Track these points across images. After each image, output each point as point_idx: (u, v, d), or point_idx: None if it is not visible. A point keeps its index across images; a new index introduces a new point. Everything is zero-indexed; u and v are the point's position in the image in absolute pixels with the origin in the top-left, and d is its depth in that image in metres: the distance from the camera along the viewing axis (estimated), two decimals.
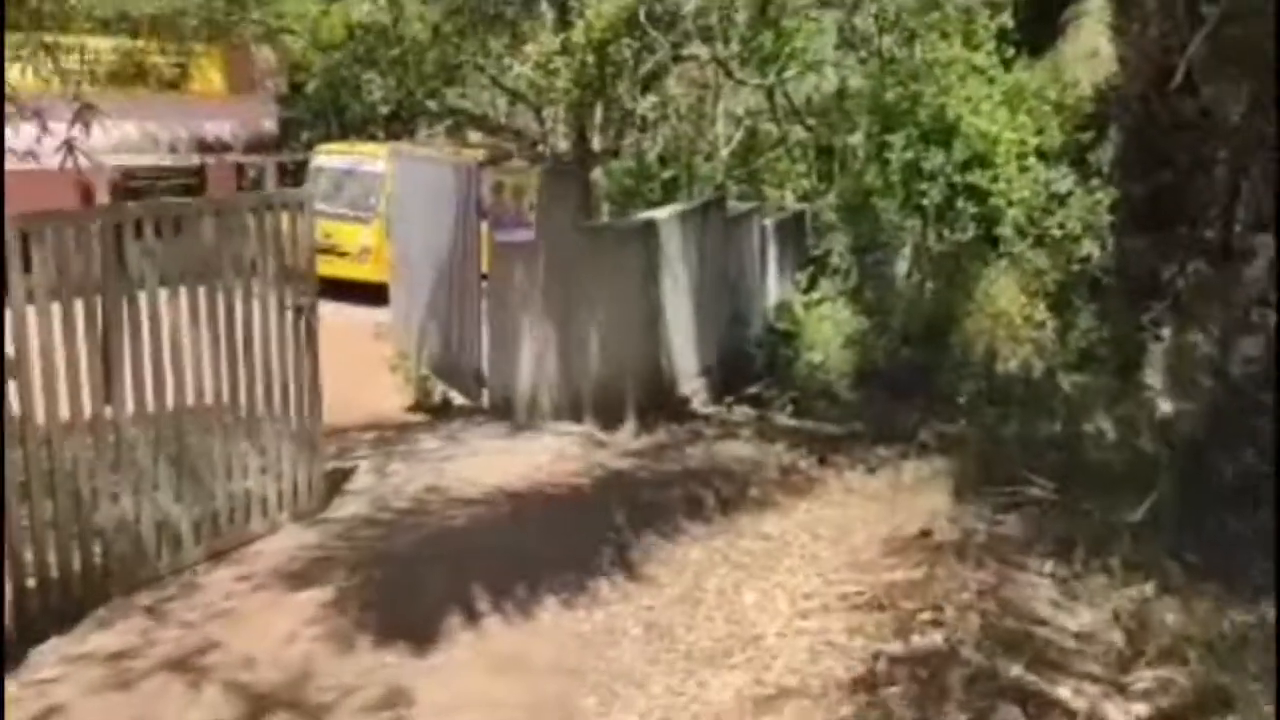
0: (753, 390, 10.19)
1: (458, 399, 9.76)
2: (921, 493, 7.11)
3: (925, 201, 15.49)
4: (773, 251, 12.52)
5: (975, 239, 15.34)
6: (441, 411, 9.73)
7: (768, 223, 12.52)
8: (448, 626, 5.53)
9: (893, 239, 15.45)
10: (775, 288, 12.52)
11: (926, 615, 5.35)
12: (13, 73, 13.33)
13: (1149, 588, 5.53)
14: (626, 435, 8.71)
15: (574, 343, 8.76)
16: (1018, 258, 14.40)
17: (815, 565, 6.03)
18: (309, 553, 6.33)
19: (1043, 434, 8.23)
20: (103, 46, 14.18)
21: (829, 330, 11.68)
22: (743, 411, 9.94)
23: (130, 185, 14.60)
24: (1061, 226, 15.34)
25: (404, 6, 15.49)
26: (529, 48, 13.76)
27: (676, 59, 15.27)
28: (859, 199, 16.08)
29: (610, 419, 8.76)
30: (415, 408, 10.05)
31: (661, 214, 9.82)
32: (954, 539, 6.10)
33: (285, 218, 6.69)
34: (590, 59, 13.43)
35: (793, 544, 6.36)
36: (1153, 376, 11.96)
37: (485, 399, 9.16)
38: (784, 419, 9.92)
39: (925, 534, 6.18)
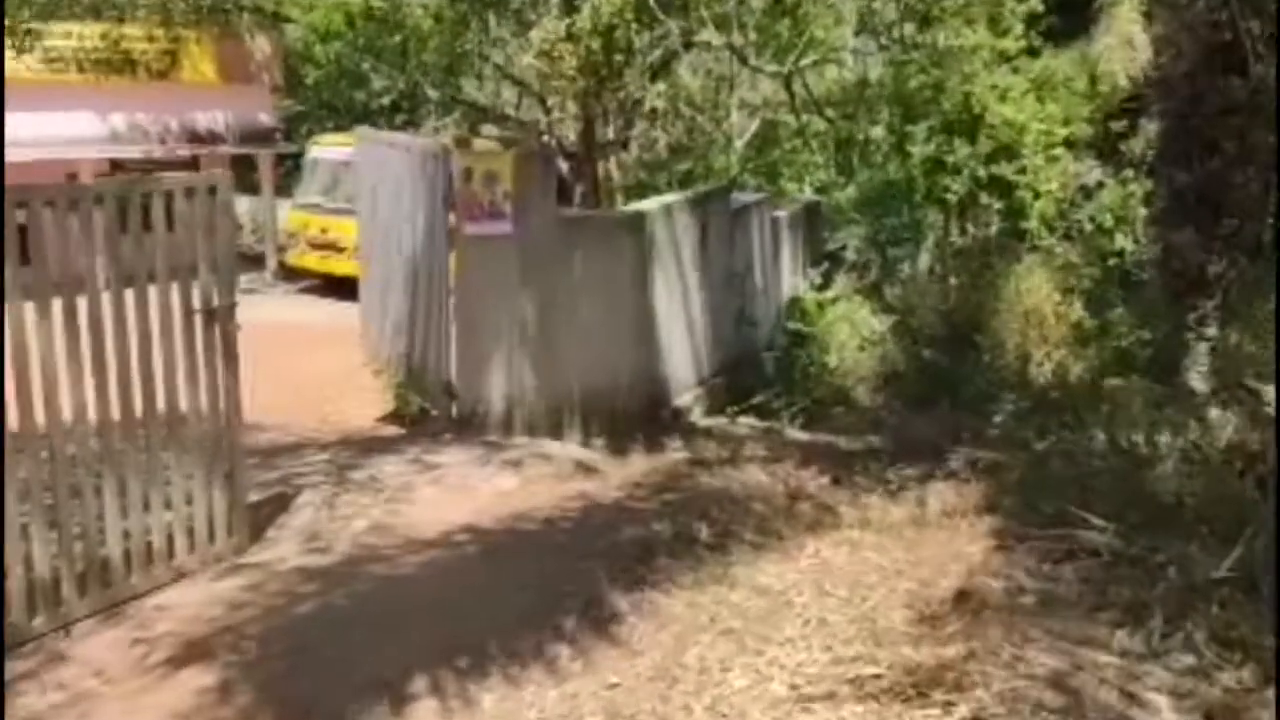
0: (760, 398, 8.77)
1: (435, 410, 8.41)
2: (951, 531, 5.69)
3: (948, 195, 14.14)
4: (785, 246, 11.08)
5: (1002, 232, 13.96)
6: (417, 423, 8.38)
7: (779, 215, 11.07)
8: (362, 718, 4.19)
9: (914, 233, 14.09)
10: (787, 285, 11.08)
11: (965, 712, 3.96)
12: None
13: (1247, 674, 4.12)
14: (613, 454, 7.33)
15: (553, 349, 7.40)
16: (1047, 252, 12.98)
17: (822, 633, 4.63)
18: (213, 610, 5.01)
19: (1091, 454, 6.77)
20: (88, 33, 13.01)
21: (845, 331, 10.25)
22: (748, 423, 8.53)
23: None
24: (1092, 219, 13.94)
25: None
26: (533, 34, 12.41)
27: (688, 46, 13.85)
28: (879, 191, 14.71)
29: (595, 435, 7.41)
30: (391, 418, 8.72)
31: (653, 204, 8.42)
32: (995, 600, 4.70)
33: (195, 206, 5.34)
34: (597, 45, 12.11)
35: (795, 602, 4.96)
36: (1197, 380, 10.49)
37: (455, 412, 7.78)
38: (794, 431, 8.51)
39: (961, 595, 4.77)
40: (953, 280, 13.06)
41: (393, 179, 8.54)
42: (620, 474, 7.01)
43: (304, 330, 11.99)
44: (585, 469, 7.01)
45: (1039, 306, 10.82)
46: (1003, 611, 4.56)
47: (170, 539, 5.35)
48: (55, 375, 4.84)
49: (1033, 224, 14.00)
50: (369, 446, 7.60)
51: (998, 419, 7.71)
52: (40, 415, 4.80)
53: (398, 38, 15.04)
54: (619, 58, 12.99)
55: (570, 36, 11.82)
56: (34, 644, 4.76)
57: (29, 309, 4.70)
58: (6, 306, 4.65)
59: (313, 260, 13.96)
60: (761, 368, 9.36)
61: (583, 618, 5.01)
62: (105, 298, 5.05)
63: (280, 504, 6.27)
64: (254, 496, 6.30)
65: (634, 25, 12.40)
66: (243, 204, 17.99)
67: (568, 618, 4.99)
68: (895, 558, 5.32)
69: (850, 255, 12.58)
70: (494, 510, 6.25)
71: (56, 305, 4.84)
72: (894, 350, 10.22)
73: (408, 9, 14.80)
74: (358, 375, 9.95)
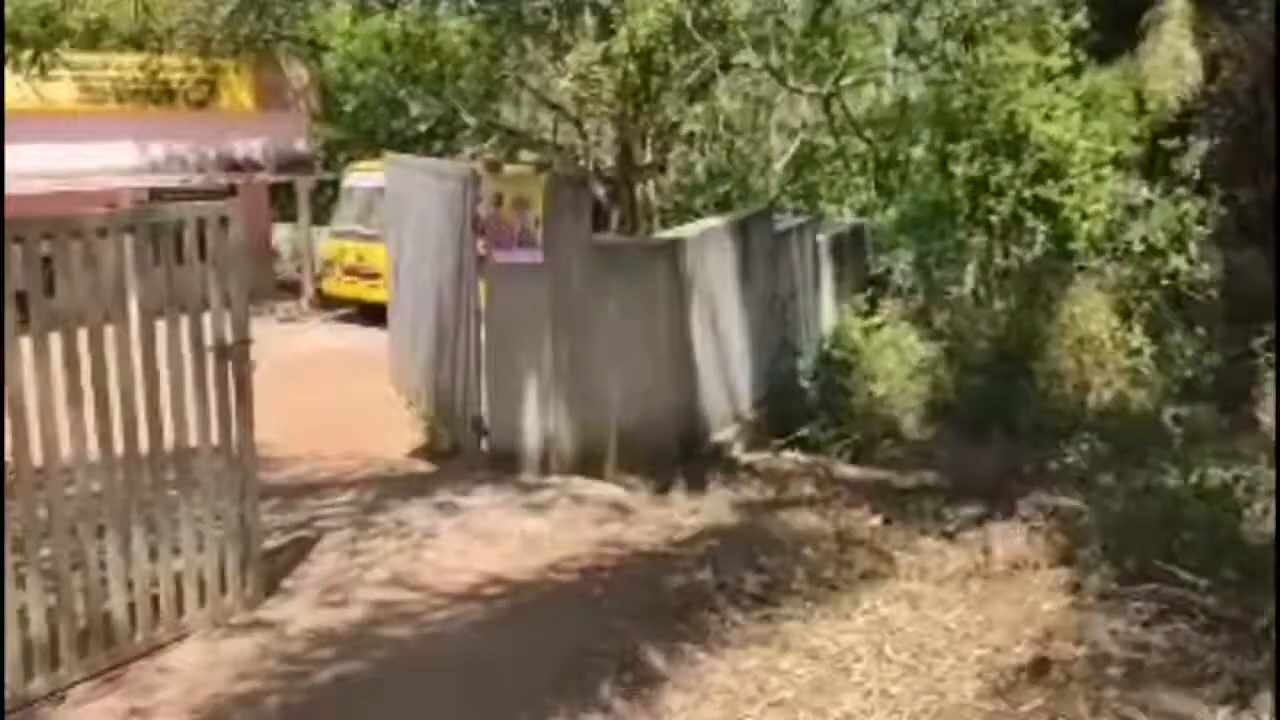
0: (804, 431, 8.21)
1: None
2: (1021, 585, 5.11)
3: (993, 217, 13.57)
4: (828, 270, 10.51)
5: (1050, 254, 13.32)
6: (448, 458, 7.92)
7: (821, 238, 10.52)
8: None
9: (958, 256, 13.49)
10: (831, 311, 10.51)
11: None
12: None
13: None
14: (652, 495, 6.80)
15: (587, 382, 6.90)
16: (1097, 274, 12.30)
17: (885, 708, 4.08)
18: (219, 675, 4.54)
19: (1166, 493, 6.15)
20: (127, 64, 12.79)
21: (892, 358, 9.66)
22: (793, 458, 7.97)
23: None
24: (1144, 240, 13.26)
25: (440, 19, 13.97)
26: (570, 58, 12.02)
27: (725, 68, 13.39)
28: (922, 213, 14.15)
29: (632, 474, 6.88)
30: (422, 452, 8.27)
31: (691, 230, 7.92)
32: (1079, 670, 4.13)
33: (205, 238, 4.92)
34: (633, 68, 11.70)
35: (853, 669, 4.41)
36: (1266, 411, 9.76)
37: (486, 447, 7.29)
38: (842, 466, 7.94)
39: (1039, 663, 4.20)
40: (998, 303, 12.45)
41: (421, 205, 8.10)
42: (659, 516, 6.49)
43: (337, 358, 11.62)
44: (622, 511, 6.50)
45: (1095, 331, 10.17)
46: (1088, 684, 4.00)
47: (178, 592, 4.91)
48: (53, 416, 4.42)
49: (1080, 245, 13.39)
50: (396, 484, 7.14)
51: (1069, 460, 7.05)
52: (37, 458, 4.39)
53: (434, 64, 14.74)
54: (656, 80, 12.58)
55: (607, 60, 11.43)
56: (24, 712, 4.33)
57: (26, 345, 4.31)
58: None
59: (348, 287, 13.60)
60: (805, 398, 8.80)
61: (619, 683, 4.50)
62: (110, 335, 4.65)
63: (299, 550, 5.81)
64: (272, 542, 5.87)
65: (671, 48, 12.00)
66: (282, 231, 17.79)
67: (603, 683, 4.48)
68: (961, 617, 4.76)
69: (897, 279, 11.98)
70: (525, 558, 5.75)
71: (56, 344, 4.44)
72: (944, 378, 9.62)
73: (444, 35, 14.52)
74: (390, 405, 9.53)
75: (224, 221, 4.98)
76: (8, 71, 12.05)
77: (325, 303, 14.36)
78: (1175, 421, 8.00)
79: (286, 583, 5.45)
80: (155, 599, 4.83)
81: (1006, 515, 6.49)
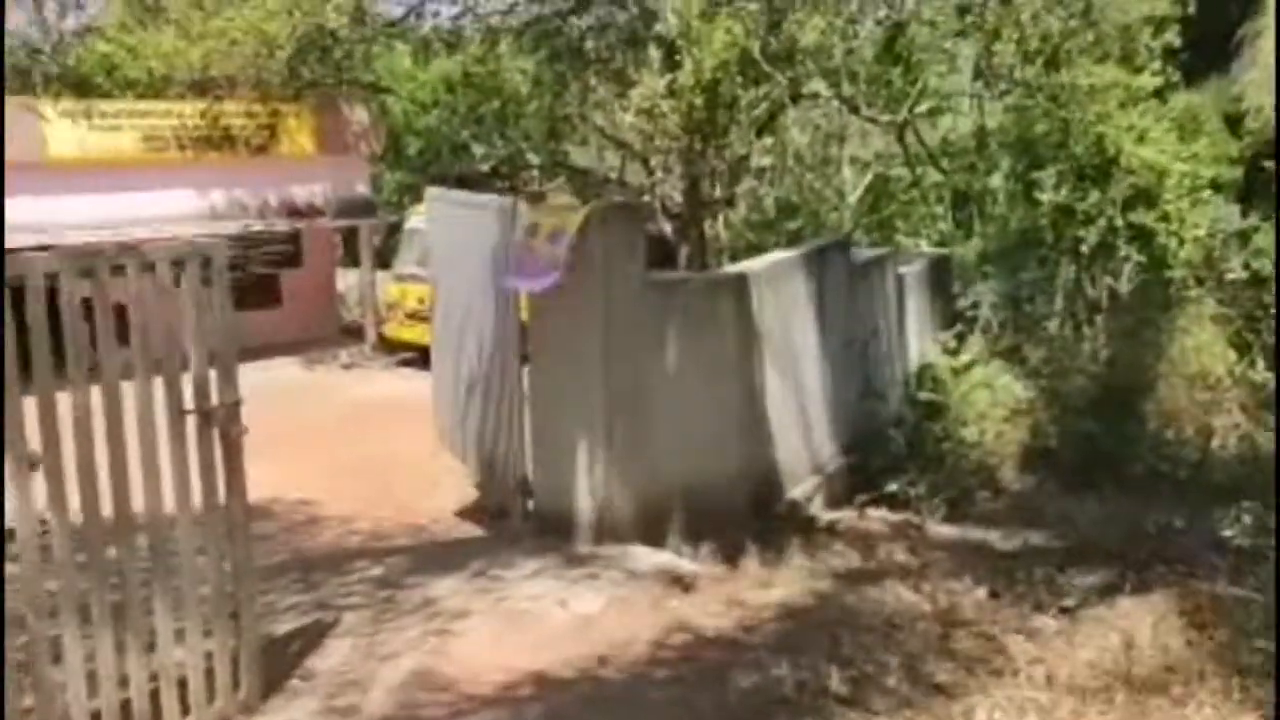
0: (892, 486, 7.09)
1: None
2: (1183, 696, 3.93)
3: (1083, 248, 12.37)
4: (912, 306, 9.37)
5: (1148, 283, 12.05)
6: (495, 520, 6.94)
7: (905, 271, 9.39)
8: None
9: (1045, 288, 12.29)
10: (916, 350, 9.35)
11: None
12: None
13: None
14: (719, 565, 5.75)
15: (645, 436, 5.88)
16: (1197, 303, 10.99)
17: None
18: None
19: None
20: (188, 111, 12.25)
21: (985, 400, 8.48)
22: (880, 517, 6.86)
23: None
24: (1247, 267, 11.94)
25: (501, 58, 13.28)
26: (634, 92, 11.17)
27: (795, 99, 12.41)
28: (1007, 244, 12.98)
29: (698, 540, 5.84)
30: (468, 513, 7.34)
31: (760, 263, 6.89)
32: None
33: (185, 282, 4.05)
34: (700, 101, 10.82)
35: None
36: None
37: (532, 510, 6.30)
38: (935, 525, 6.80)
39: None
40: (1087, 335, 11.19)
41: (461, 242, 7.21)
42: (727, 592, 5.42)
43: (394, 406, 10.79)
44: (684, 586, 5.44)
45: (1210, 367, 8.87)
46: None
47: (154, 696, 4.00)
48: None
49: (1177, 273, 12.12)
50: (431, 553, 6.17)
51: (1231, 534, 5.82)
52: None
53: (497, 103, 14.06)
54: (723, 113, 11.70)
55: (672, 93, 10.58)
56: None
57: None
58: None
59: (410, 331, 12.78)
60: (891, 446, 7.69)
61: None
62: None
63: (313, 637, 4.87)
64: (286, 626, 4.97)
65: (738, 79, 11.11)
66: (351, 277, 17.19)
67: None
68: None
69: (986, 313, 10.77)
70: (567, 647, 4.73)
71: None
72: (1043, 421, 8.40)
73: (506, 74, 13.84)
74: (439, 459, 8.61)
75: (208, 262, 4.11)
76: (71, 122, 11.69)
77: (388, 347, 13.62)
78: None
79: (294, 678, 4.50)
80: (126, 704, 3.93)
81: (1138, 589, 5.33)
